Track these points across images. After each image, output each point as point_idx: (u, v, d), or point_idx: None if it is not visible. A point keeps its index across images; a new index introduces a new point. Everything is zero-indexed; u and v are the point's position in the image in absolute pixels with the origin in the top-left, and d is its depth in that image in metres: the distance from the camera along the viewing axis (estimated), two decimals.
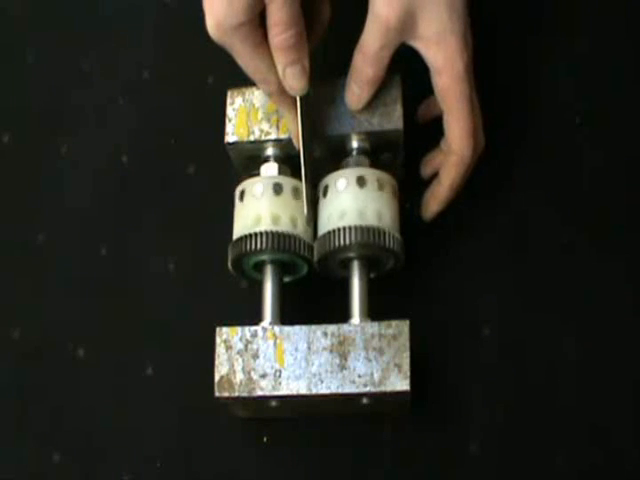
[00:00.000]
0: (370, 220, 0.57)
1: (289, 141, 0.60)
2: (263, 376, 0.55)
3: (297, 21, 0.54)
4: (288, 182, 0.60)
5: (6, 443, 0.63)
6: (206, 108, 0.67)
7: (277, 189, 0.59)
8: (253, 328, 0.57)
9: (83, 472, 0.62)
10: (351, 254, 0.58)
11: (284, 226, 0.58)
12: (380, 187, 0.58)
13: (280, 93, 0.57)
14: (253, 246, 0.57)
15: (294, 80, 0.56)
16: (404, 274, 0.60)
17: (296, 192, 0.59)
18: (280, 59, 0.55)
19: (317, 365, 0.55)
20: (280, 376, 0.55)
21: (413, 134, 0.61)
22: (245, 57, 0.55)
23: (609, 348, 0.59)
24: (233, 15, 0.53)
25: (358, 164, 0.59)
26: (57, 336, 0.65)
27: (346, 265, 0.59)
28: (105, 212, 0.68)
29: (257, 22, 0.54)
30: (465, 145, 0.58)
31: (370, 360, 0.55)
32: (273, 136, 0.60)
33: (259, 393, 0.55)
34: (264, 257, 0.59)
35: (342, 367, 0.55)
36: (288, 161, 0.61)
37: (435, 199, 0.61)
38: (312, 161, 0.59)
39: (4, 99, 0.74)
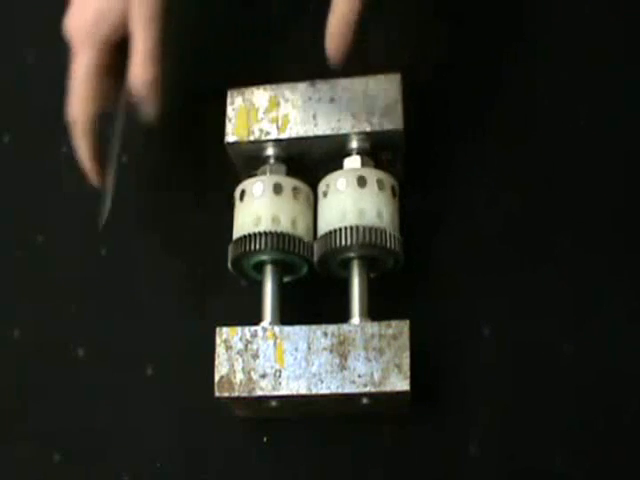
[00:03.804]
0: (370, 220, 0.57)
1: (289, 141, 0.60)
2: (263, 376, 0.55)
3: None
4: (288, 182, 0.60)
5: (6, 443, 0.63)
6: (206, 108, 0.67)
7: (277, 189, 0.59)
8: (253, 328, 0.57)
9: (83, 472, 0.62)
10: (351, 254, 0.58)
11: (284, 226, 0.58)
12: (380, 187, 0.58)
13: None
14: (253, 246, 0.57)
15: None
16: (404, 274, 0.60)
17: (296, 192, 0.59)
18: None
19: (317, 365, 0.55)
20: (280, 376, 0.55)
21: (413, 134, 0.61)
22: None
23: (608, 348, 0.59)
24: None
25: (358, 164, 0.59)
26: (57, 336, 0.65)
27: (346, 265, 0.59)
28: None
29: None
30: None
31: (370, 360, 0.55)
32: (273, 136, 0.60)
33: (259, 393, 0.55)
34: (264, 257, 0.59)
35: (342, 367, 0.55)
36: (288, 161, 0.61)
37: (331, 35, 0.56)
38: None
39: (4, 99, 0.74)
